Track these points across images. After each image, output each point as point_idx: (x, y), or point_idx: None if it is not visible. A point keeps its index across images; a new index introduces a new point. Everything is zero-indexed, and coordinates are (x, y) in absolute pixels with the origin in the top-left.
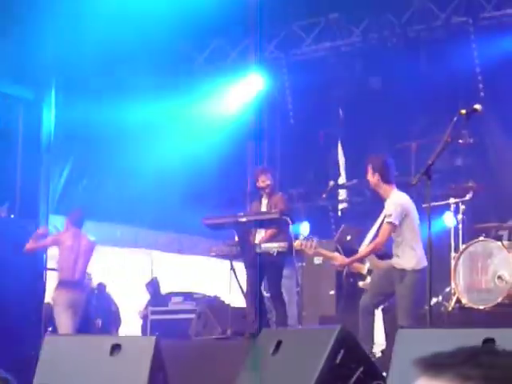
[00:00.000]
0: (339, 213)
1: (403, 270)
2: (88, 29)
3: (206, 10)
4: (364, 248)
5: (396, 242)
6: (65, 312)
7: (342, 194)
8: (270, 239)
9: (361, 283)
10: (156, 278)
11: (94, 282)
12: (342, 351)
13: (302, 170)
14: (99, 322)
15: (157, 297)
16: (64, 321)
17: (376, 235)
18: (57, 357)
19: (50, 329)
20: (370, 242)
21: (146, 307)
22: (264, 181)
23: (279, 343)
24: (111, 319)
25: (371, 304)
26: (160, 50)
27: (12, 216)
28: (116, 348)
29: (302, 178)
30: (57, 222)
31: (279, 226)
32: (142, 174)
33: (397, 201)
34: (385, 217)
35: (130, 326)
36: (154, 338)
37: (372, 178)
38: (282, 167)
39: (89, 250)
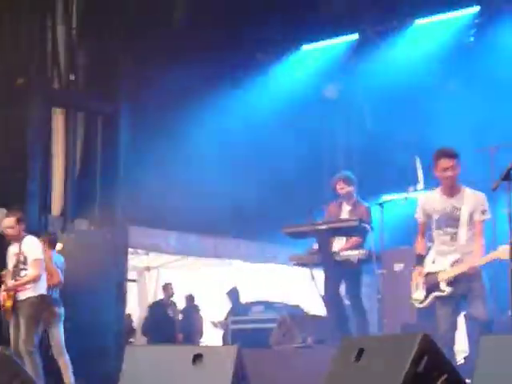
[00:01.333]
0: None
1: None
2: None
3: None
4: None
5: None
6: None
7: None
8: (350, 247)
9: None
10: (236, 287)
11: (181, 296)
12: (425, 358)
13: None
14: (180, 336)
15: (237, 306)
16: None
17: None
18: (139, 368)
19: (132, 340)
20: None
21: (227, 317)
22: (342, 188)
23: (361, 351)
24: (195, 330)
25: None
26: None
27: (92, 228)
28: (198, 358)
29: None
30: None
31: (359, 234)
32: (220, 184)
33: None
34: (472, 213)
35: (212, 336)
36: (235, 347)
37: (456, 170)
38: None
39: None
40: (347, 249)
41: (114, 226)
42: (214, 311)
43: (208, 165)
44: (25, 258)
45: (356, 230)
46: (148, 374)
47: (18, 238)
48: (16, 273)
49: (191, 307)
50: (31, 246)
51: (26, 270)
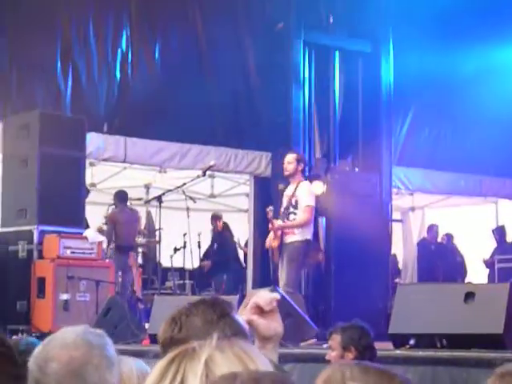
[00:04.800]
0: None
1: None
2: None
3: None
4: None
5: None
6: None
7: None
8: None
9: None
10: (503, 225)
11: (441, 233)
12: None
13: None
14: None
15: (503, 244)
16: None
17: None
18: (410, 305)
19: (397, 280)
20: None
21: (493, 255)
22: None
23: None
24: (456, 270)
25: None
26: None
27: (356, 169)
28: (470, 296)
29: None
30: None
31: None
32: (484, 120)
33: None
34: None
35: (477, 275)
36: (507, 284)
37: None
38: None
39: None
40: None
41: (378, 168)
42: (479, 251)
43: (471, 102)
44: (296, 201)
45: None
46: (420, 312)
47: (295, 179)
48: (285, 215)
49: (449, 246)
50: (305, 192)
51: (295, 214)
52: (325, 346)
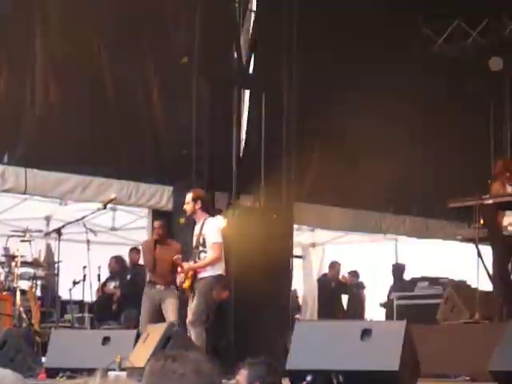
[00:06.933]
0: None
1: None
2: None
3: None
4: None
5: None
6: None
7: None
8: None
9: None
10: (400, 263)
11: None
12: None
13: None
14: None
15: (400, 282)
16: None
17: None
18: (307, 342)
19: (297, 316)
20: None
21: (389, 292)
22: None
23: None
24: (357, 307)
25: None
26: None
27: (257, 205)
28: (367, 333)
29: None
30: None
31: None
32: (379, 157)
33: None
34: None
35: (377, 312)
36: (404, 322)
37: None
38: None
39: None
40: None
41: (279, 203)
42: (378, 288)
43: None
44: (204, 240)
45: None
46: (318, 348)
47: (199, 218)
48: (196, 254)
49: (356, 284)
50: (211, 229)
51: (205, 252)
52: (232, 381)
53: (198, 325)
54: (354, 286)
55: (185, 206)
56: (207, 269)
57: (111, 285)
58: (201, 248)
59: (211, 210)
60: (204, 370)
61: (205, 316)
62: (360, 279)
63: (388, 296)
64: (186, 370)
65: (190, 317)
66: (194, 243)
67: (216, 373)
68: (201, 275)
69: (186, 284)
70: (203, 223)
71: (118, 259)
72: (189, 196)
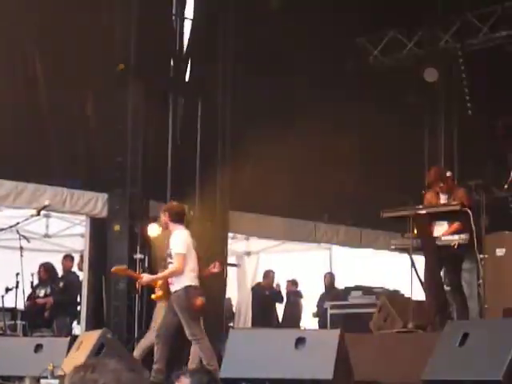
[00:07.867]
0: None
1: None
2: None
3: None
4: None
5: None
6: None
7: None
8: (452, 233)
9: None
10: (331, 272)
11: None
12: None
13: (481, 162)
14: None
15: (332, 290)
16: None
17: None
18: (241, 350)
19: (231, 323)
20: None
21: (319, 300)
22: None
23: (466, 335)
24: (292, 315)
25: None
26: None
27: (191, 213)
28: (301, 341)
29: (480, 170)
30: None
31: (459, 219)
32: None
33: None
34: None
35: (309, 320)
36: (338, 331)
37: None
38: (460, 159)
39: None
40: (449, 234)
41: (214, 211)
42: (312, 297)
43: None
44: (170, 251)
45: (456, 215)
46: (251, 356)
47: (171, 230)
48: (165, 266)
49: (294, 292)
50: (174, 240)
51: (171, 263)
52: None
53: (199, 339)
54: (292, 294)
55: (160, 219)
56: (173, 282)
57: (41, 292)
58: (169, 259)
59: (183, 221)
60: (124, 380)
61: (198, 328)
62: (298, 288)
63: (317, 305)
64: (106, 379)
65: (189, 337)
66: (165, 255)
67: (138, 382)
68: (171, 289)
69: (159, 294)
70: (171, 235)
71: (46, 266)
72: (161, 208)
